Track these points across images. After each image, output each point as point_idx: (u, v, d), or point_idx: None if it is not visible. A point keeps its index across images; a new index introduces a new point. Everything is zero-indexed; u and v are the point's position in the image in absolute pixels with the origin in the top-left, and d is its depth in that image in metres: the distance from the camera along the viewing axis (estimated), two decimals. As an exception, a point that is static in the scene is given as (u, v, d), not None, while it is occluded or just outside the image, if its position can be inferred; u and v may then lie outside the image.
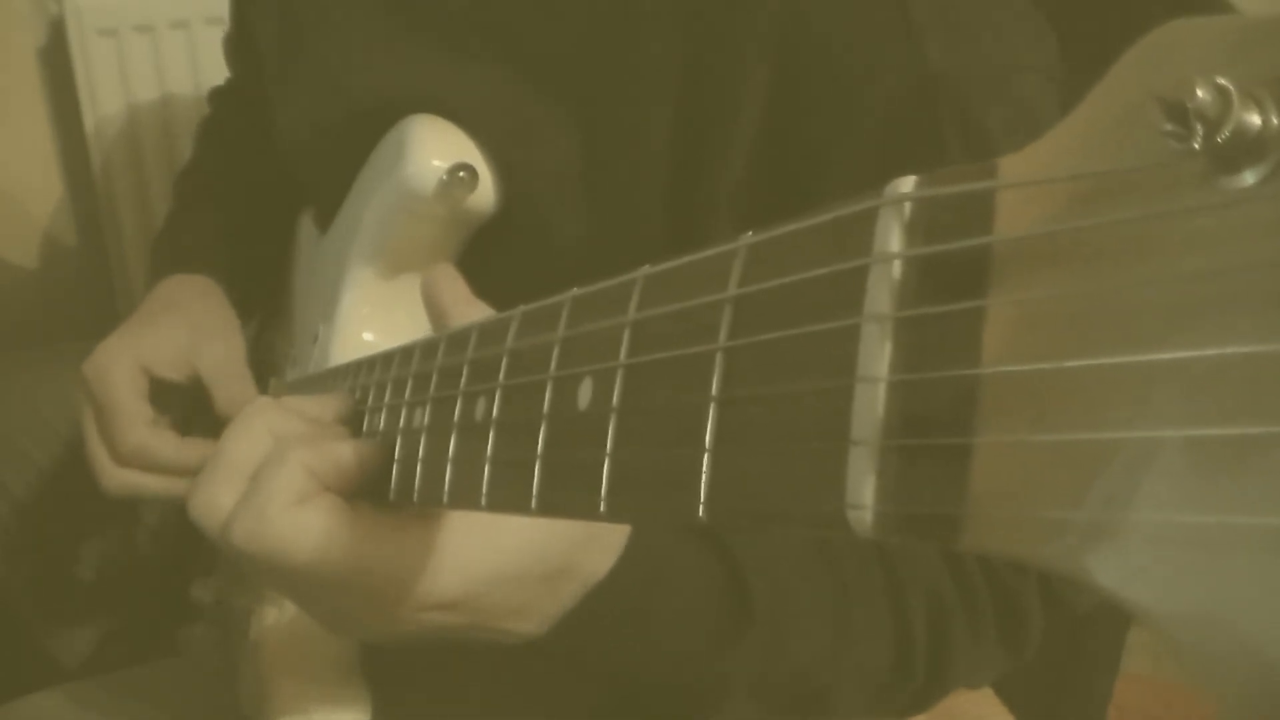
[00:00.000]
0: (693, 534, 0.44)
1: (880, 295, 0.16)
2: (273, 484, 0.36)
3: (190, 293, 0.72)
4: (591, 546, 0.40)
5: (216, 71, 0.89)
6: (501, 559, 0.38)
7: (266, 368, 0.81)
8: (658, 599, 0.42)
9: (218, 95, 0.88)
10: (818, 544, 0.45)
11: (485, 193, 0.56)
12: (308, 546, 0.35)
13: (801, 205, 0.18)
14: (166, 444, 0.64)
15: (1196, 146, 0.13)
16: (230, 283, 0.73)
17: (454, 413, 0.34)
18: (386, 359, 0.43)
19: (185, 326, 0.68)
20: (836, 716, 0.47)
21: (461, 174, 0.56)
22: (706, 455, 0.20)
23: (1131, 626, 0.98)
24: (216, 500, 0.38)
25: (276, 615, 0.63)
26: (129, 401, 0.64)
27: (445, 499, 0.34)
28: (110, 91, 1.13)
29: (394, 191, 0.59)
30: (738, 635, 0.43)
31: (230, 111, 0.86)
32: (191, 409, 0.68)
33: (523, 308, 0.31)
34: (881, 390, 0.16)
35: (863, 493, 0.16)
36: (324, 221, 0.70)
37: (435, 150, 0.57)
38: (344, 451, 0.38)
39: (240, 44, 0.83)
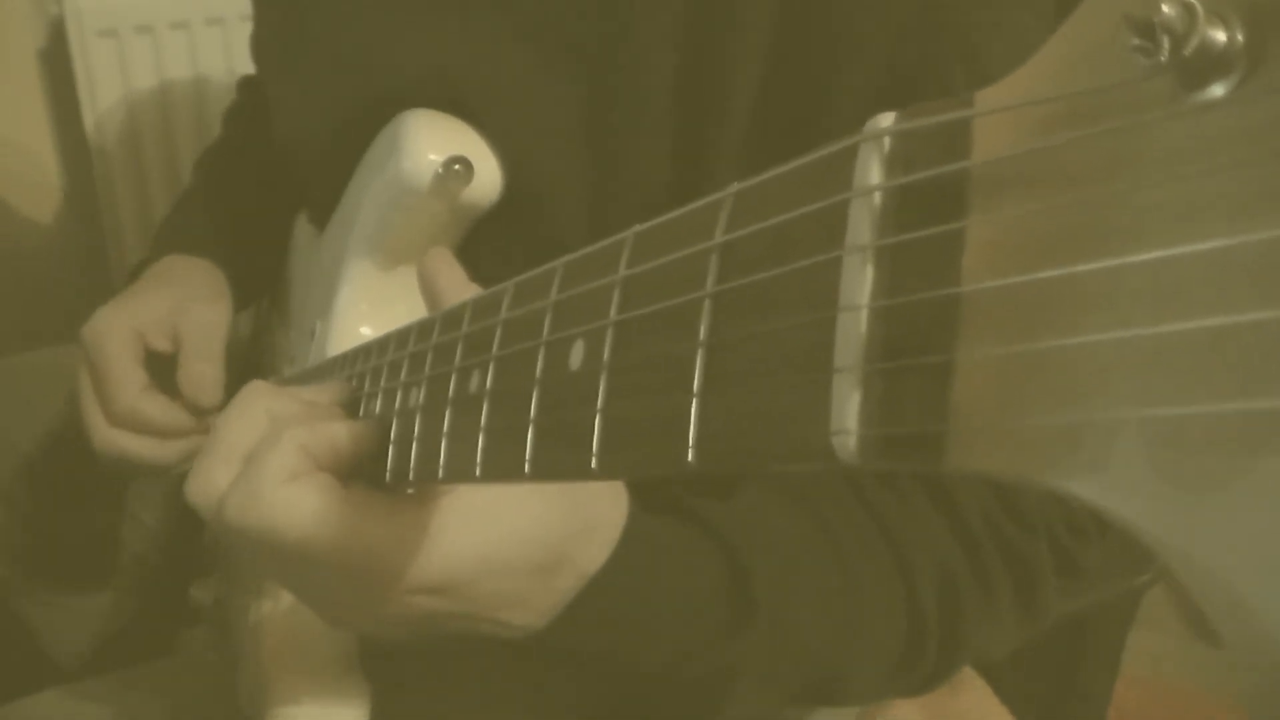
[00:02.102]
0: (692, 522, 0.44)
1: (861, 227, 0.17)
2: (266, 462, 0.36)
3: (182, 268, 0.73)
4: (586, 539, 0.40)
5: (217, 72, 0.90)
6: (491, 547, 0.38)
7: (265, 367, 0.81)
8: (657, 589, 0.42)
9: (246, 84, 0.89)
10: (821, 528, 0.45)
11: (482, 185, 0.57)
12: (299, 523, 0.35)
13: (808, 144, 0.19)
14: (157, 406, 0.65)
15: (1163, 60, 0.14)
16: (232, 269, 0.74)
17: (449, 388, 0.34)
18: (382, 345, 0.44)
19: (171, 297, 0.69)
20: (850, 699, 0.47)
21: (457, 167, 0.56)
22: (694, 400, 0.20)
23: (1131, 629, 0.98)
24: (212, 480, 0.38)
25: (275, 611, 0.63)
26: (123, 365, 0.64)
27: (441, 473, 0.34)
28: (110, 92, 1.14)
29: (389, 186, 0.60)
30: (742, 623, 0.42)
31: (253, 101, 0.86)
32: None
33: (516, 279, 0.32)
34: (863, 317, 0.16)
35: (846, 418, 0.16)
36: (321, 220, 0.71)
37: (430, 144, 0.57)
38: (339, 431, 0.38)
39: (260, 41, 0.83)
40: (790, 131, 0.45)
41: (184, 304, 0.69)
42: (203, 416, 0.66)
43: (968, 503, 0.45)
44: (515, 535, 0.38)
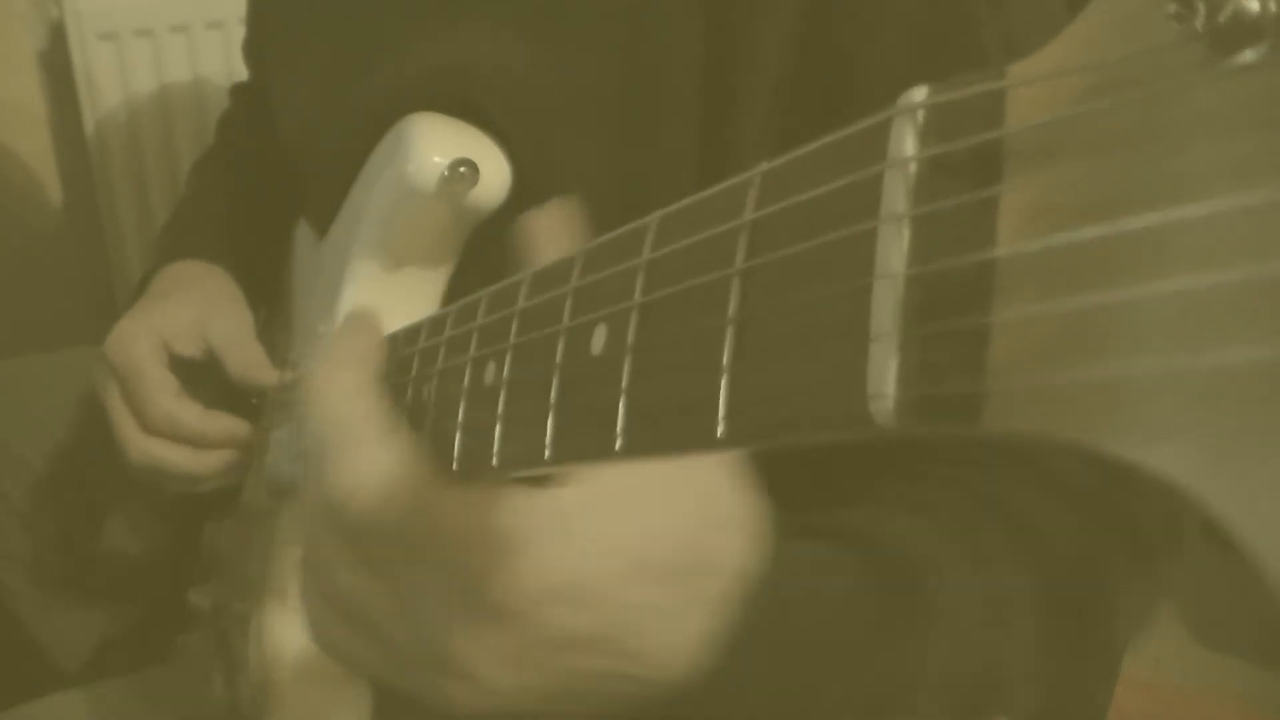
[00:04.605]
0: (827, 535, 0.39)
1: (896, 196, 0.17)
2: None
3: (195, 274, 0.73)
4: (728, 531, 0.32)
5: (216, 75, 0.90)
6: (620, 541, 0.31)
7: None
8: (831, 598, 0.36)
9: (239, 90, 0.89)
10: (969, 547, 0.41)
11: (488, 188, 0.57)
12: (390, 494, 0.30)
13: (838, 120, 0.19)
14: (193, 413, 0.64)
15: (1199, 26, 0.14)
16: (238, 274, 0.74)
17: (463, 380, 0.35)
18: (390, 341, 0.44)
19: (194, 303, 0.69)
20: (1014, 713, 0.43)
21: (462, 170, 0.57)
22: (724, 375, 0.21)
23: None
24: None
25: (275, 616, 0.63)
26: (156, 372, 0.64)
27: (455, 465, 0.34)
28: (110, 95, 1.14)
29: (394, 189, 0.60)
30: (916, 634, 0.38)
31: (247, 108, 0.87)
32: (205, 384, 0.69)
33: (532, 269, 0.32)
34: (900, 284, 0.17)
35: (884, 382, 0.16)
36: (322, 224, 0.71)
37: (435, 147, 0.58)
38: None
39: (256, 47, 0.84)
40: (819, 110, 0.45)
41: (208, 310, 0.69)
42: (236, 433, 0.66)
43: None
44: (644, 529, 0.31)
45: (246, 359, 0.66)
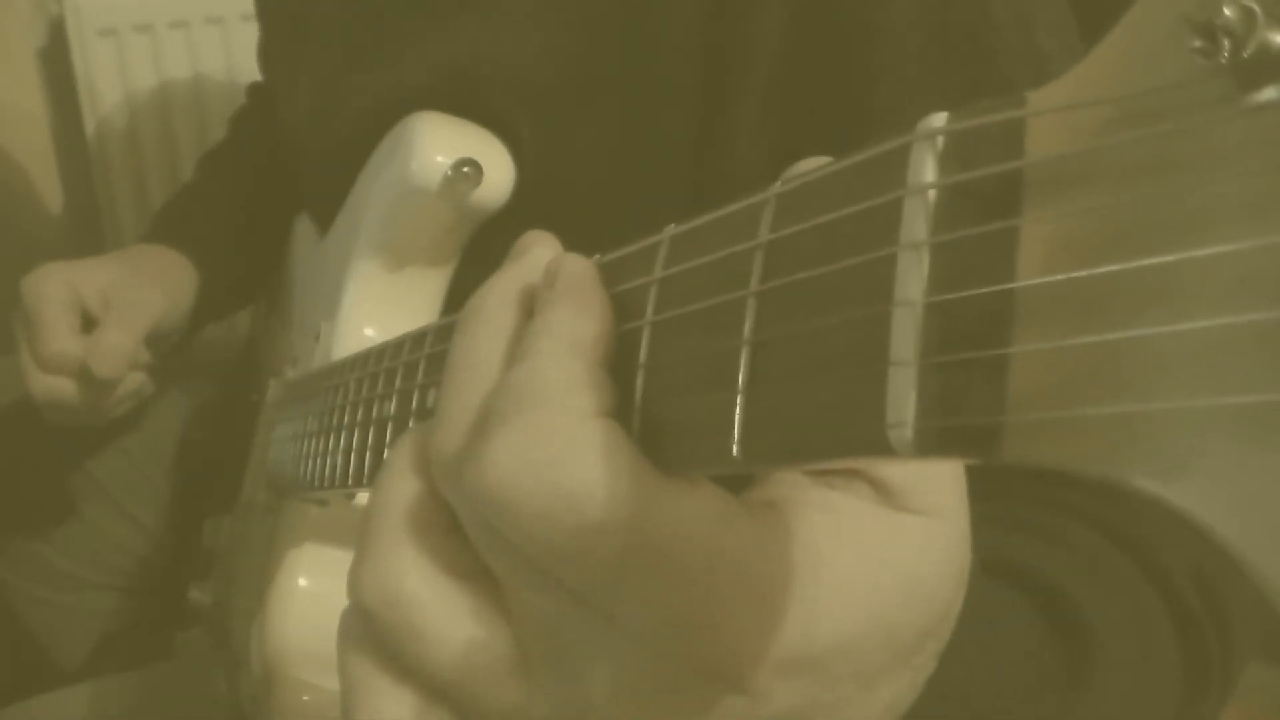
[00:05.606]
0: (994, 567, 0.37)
1: (916, 223, 0.17)
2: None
3: (151, 253, 0.75)
4: (963, 582, 0.26)
5: (216, 71, 0.90)
6: (878, 600, 0.24)
7: (266, 370, 0.81)
8: (1001, 645, 0.34)
9: (255, 89, 0.90)
10: (1115, 584, 0.40)
11: (491, 187, 0.57)
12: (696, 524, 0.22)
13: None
14: (79, 346, 0.66)
15: (1223, 61, 0.14)
16: (207, 270, 0.75)
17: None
18: (396, 347, 0.44)
19: (118, 269, 0.70)
20: None
21: (466, 169, 0.57)
22: (739, 397, 0.21)
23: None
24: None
25: (277, 616, 0.63)
26: (55, 310, 0.66)
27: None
28: (110, 91, 1.15)
29: (398, 188, 0.60)
30: (1077, 672, 0.36)
31: (261, 106, 0.87)
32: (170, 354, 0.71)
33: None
34: (919, 312, 0.17)
35: (903, 410, 0.17)
36: (324, 221, 0.71)
37: (438, 146, 0.58)
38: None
39: (265, 44, 0.84)
40: (818, 94, 0.43)
41: (126, 278, 0.70)
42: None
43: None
44: (905, 588, 0.24)
45: (109, 341, 0.67)
